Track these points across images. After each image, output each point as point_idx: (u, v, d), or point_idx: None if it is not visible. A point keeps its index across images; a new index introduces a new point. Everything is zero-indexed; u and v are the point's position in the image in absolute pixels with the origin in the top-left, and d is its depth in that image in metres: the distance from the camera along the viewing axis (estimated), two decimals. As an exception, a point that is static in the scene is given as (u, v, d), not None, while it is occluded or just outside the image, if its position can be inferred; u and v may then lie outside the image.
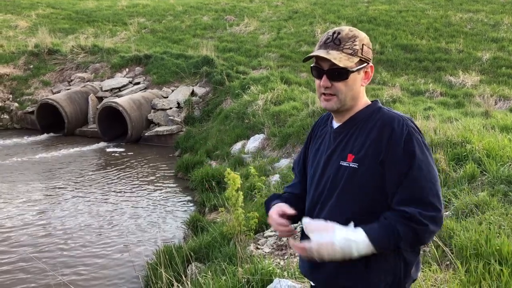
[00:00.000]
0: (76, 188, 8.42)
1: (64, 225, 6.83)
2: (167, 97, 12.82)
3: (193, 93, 12.87)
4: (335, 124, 1.91)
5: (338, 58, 1.73)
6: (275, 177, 6.98)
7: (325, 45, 1.77)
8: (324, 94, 1.81)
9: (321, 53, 1.75)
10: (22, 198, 7.85)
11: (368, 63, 1.81)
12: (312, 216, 1.88)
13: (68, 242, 6.30)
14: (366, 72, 1.82)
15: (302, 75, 13.19)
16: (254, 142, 9.08)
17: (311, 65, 1.85)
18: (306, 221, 1.74)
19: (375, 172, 1.72)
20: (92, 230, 6.69)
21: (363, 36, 1.80)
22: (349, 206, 1.77)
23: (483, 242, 3.46)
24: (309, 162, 2.01)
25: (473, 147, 5.45)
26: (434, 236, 1.77)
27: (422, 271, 3.37)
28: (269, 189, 6.56)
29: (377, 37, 14.71)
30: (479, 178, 4.90)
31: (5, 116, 13.51)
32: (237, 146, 9.34)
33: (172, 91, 13.10)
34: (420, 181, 1.68)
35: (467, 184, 4.83)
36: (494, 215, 3.94)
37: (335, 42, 1.76)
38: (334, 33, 1.78)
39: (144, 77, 13.92)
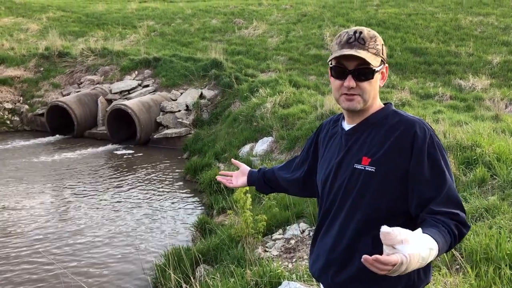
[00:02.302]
0: (85, 190, 8.47)
1: (73, 226, 6.87)
2: (176, 100, 12.87)
3: (201, 96, 12.90)
4: (347, 126, 1.87)
5: (369, 57, 1.70)
6: (284, 180, 6.97)
7: (350, 45, 1.72)
8: (346, 94, 1.77)
9: (353, 52, 1.70)
10: (32, 200, 7.91)
11: (385, 64, 1.81)
12: (325, 223, 1.86)
13: (77, 243, 6.33)
14: (382, 72, 1.82)
15: (310, 78, 13.18)
16: (262, 145, 9.08)
17: (332, 65, 1.78)
18: (389, 230, 1.40)
19: (395, 177, 1.69)
20: (101, 232, 6.73)
21: (379, 38, 1.79)
22: (366, 210, 1.73)
23: (494, 246, 3.43)
24: (319, 169, 1.97)
25: (483, 150, 5.41)
26: None
27: (432, 275, 3.34)
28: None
29: (386, 40, 14.66)
30: (489, 182, 4.86)
31: (15, 118, 13.64)
32: (246, 148, 9.35)
33: (181, 93, 13.15)
34: (450, 186, 1.69)
35: (477, 188, 4.79)
36: (505, 219, 3.91)
37: (360, 42, 1.72)
38: (355, 32, 1.74)
39: (153, 80, 13.99)
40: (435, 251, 1.49)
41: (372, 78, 1.74)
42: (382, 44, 1.78)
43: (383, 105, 1.86)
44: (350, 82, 1.73)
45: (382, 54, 1.77)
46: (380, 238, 1.41)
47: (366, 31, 1.75)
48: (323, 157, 1.96)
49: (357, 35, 1.73)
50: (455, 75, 12.78)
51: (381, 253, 1.41)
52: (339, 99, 1.81)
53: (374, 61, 1.72)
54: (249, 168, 2.40)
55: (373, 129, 1.79)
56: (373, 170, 1.71)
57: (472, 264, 3.37)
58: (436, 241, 1.51)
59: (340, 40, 1.76)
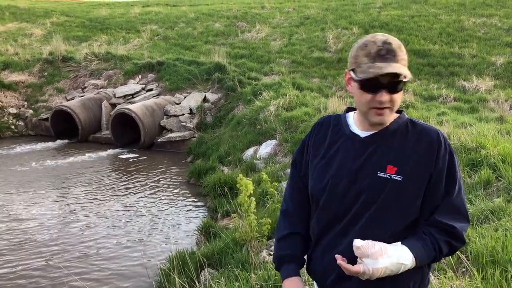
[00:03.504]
0: (90, 194, 8.49)
1: (78, 231, 6.88)
2: (180, 104, 12.89)
3: (205, 99, 12.93)
4: (362, 133, 1.81)
5: (403, 70, 1.66)
6: (288, 183, 6.96)
7: (382, 58, 1.64)
8: (375, 108, 1.70)
9: (390, 69, 1.63)
10: (37, 204, 7.93)
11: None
12: (331, 230, 1.80)
13: (81, 247, 6.34)
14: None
15: (314, 80, 13.19)
16: (266, 148, 9.07)
17: (361, 78, 1.68)
18: (360, 243, 1.64)
19: (421, 187, 1.72)
20: (105, 235, 6.73)
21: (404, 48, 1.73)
22: (392, 220, 1.72)
23: (500, 249, 3.41)
24: (318, 174, 1.87)
25: (488, 152, 5.39)
26: None
27: (438, 278, 3.33)
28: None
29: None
30: (495, 184, 4.84)
31: (20, 123, 13.70)
32: (249, 152, 9.35)
33: (185, 97, 13.18)
34: (460, 194, 1.75)
35: (482, 190, 4.77)
36: (511, 221, 3.89)
37: (392, 54, 1.65)
38: (384, 43, 1.66)
39: (156, 84, 14.03)
40: (409, 265, 1.65)
41: (402, 89, 1.72)
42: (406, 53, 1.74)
43: (397, 113, 1.81)
44: (384, 97, 1.67)
45: (407, 62, 1.73)
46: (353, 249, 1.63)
47: (392, 40, 1.68)
48: (321, 162, 1.86)
49: (386, 46, 1.65)
50: (458, 77, 12.75)
51: None
52: (369, 113, 1.73)
53: (406, 73, 1.67)
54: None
55: (395, 138, 1.76)
56: (400, 179, 1.70)
57: (478, 267, 3.35)
58: (414, 255, 1.65)
59: (369, 52, 1.66)
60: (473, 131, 6.40)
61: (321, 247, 1.86)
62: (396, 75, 1.65)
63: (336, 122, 1.91)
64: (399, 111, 1.83)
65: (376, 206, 1.72)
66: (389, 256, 1.62)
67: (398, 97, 1.71)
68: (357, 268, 1.61)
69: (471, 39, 14.87)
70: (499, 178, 4.89)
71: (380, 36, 1.69)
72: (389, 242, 1.68)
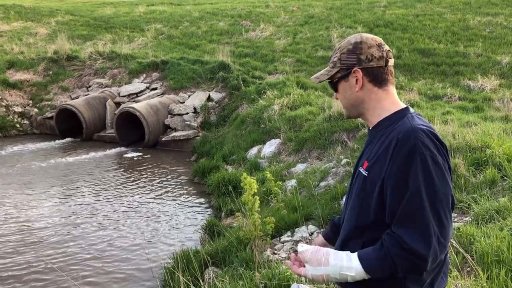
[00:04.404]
0: (94, 193, 8.51)
1: (83, 228, 6.91)
2: (184, 102, 12.91)
3: (209, 98, 12.93)
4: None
5: (322, 74, 1.86)
6: (291, 182, 6.97)
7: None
8: None
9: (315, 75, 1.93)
10: (42, 202, 7.96)
11: (352, 69, 1.75)
12: (341, 224, 1.92)
13: (86, 245, 6.36)
14: (355, 78, 1.76)
15: (318, 79, 13.15)
16: (270, 147, 9.07)
17: None
18: (301, 249, 1.72)
19: (378, 184, 1.65)
20: (110, 234, 6.75)
21: (345, 44, 1.78)
22: (357, 214, 1.75)
23: (505, 248, 3.40)
24: None
25: (493, 152, 5.36)
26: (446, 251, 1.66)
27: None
28: (286, 194, 6.54)
29: (394, 41, 14.61)
30: (500, 184, 4.81)
31: (25, 122, 13.75)
32: (253, 151, 9.35)
33: (189, 96, 13.19)
34: (420, 202, 1.55)
35: (487, 189, 4.75)
36: (516, 221, 3.87)
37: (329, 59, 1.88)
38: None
39: (161, 83, 14.05)
40: (356, 277, 1.60)
41: (336, 89, 1.85)
42: (343, 53, 1.77)
43: (399, 108, 1.78)
44: (335, 95, 1.89)
45: (341, 63, 1.77)
46: None
47: (339, 44, 1.84)
48: None
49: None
50: (463, 76, 12.70)
51: None
52: None
53: (328, 75, 1.82)
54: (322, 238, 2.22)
55: (379, 134, 1.76)
56: (366, 175, 1.72)
57: (483, 267, 3.33)
58: (364, 268, 1.59)
59: None
60: (478, 131, 6.37)
61: None
62: (327, 78, 1.84)
63: None
64: (403, 108, 1.78)
65: (351, 200, 1.82)
66: (329, 265, 1.63)
67: (340, 96, 1.84)
68: (299, 271, 1.72)
69: (476, 38, 14.81)
70: (505, 178, 4.87)
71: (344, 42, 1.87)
72: (353, 239, 1.75)
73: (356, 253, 1.63)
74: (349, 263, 1.61)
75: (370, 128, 1.85)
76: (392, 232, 1.59)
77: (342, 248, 1.79)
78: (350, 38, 1.79)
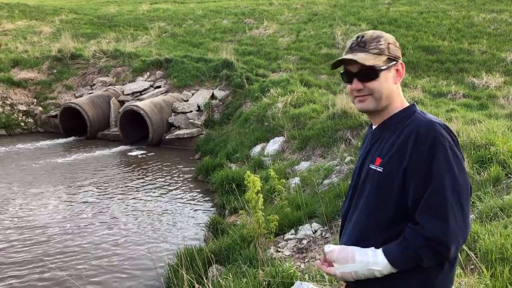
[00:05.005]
0: (98, 191, 8.54)
1: (87, 226, 6.93)
2: (188, 101, 12.92)
3: (213, 96, 12.94)
4: (373, 127, 1.92)
5: (365, 58, 1.74)
6: (295, 180, 6.97)
7: (351, 50, 1.80)
8: (357, 96, 1.83)
9: (348, 56, 1.78)
10: (46, 201, 8.00)
11: (398, 61, 1.82)
12: (346, 220, 1.94)
13: (90, 242, 6.39)
14: (397, 70, 1.82)
15: (322, 77, 13.14)
16: (273, 145, 9.07)
17: (341, 72, 1.88)
18: (328, 250, 1.80)
19: (398, 179, 1.69)
20: (114, 232, 6.78)
21: (388, 36, 1.82)
22: (374, 212, 1.77)
23: (509, 246, 3.39)
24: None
25: (497, 149, 5.34)
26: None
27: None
28: (289, 192, 6.55)
29: (398, 39, 14.52)
30: (504, 181, 4.80)
31: (29, 120, 13.80)
32: (257, 148, 9.35)
33: (193, 94, 13.20)
34: (443, 191, 1.61)
35: (491, 187, 4.73)
36: (520, 218, 3.86)
37: (360, 45, 1.79)
38: (358, 37, 1.82)
39: (165, 81, 14.06)
40: (384, 271, 1.67)
41: (378, 77, 1.77)
42: (389, 43, 1.80)
43: (407, 105, 1.85)
44: (355, 84, 1.80)
45: (389, 52, 1.79)
46: None
47: (371, 33, 1.81)
48: (359, 161, 2.01)
49: (359, 39, 1.80)
50: (468, 73, 12.65)
51: None
52: (354, 102, 1.88)
53: (374, 61, 1.75)
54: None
55: (390, 131, 1.80)
56: (381, 171, 1.74)
57: (487, 264, 3.33)
58: (390, 261, 1.66)
59: (346, 47, 1.85)
60: (482, 128, 6.35)
61: (340, 242, 2.00)
62: (363, 64, 1.74)
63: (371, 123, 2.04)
64: (411, 105, 1.86)
65: (364, 199, 1.81)
66: (356, 262, 1.71)
67: (377, 85, 1.78)
68: (329, 270, 1.79)
69: (481, 35, 14.74)
70: (509, 175, 4.85)
71: (361, 33, 1.83)
72: (370, 237, 1.76)
73: (380, 249, 1.70)
74: (374, 259, 1.69)
75: (375, 126, 1.89)
76: (412, 225, 1.66)
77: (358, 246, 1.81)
78: (380, 32, 1.82)
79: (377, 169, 1.75)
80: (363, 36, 1.80)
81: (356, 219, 1.85)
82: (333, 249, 1.78)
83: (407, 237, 1.65)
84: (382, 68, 1.76)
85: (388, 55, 1.78)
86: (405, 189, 1.68)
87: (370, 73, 1.76)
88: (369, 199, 1.79)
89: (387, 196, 1.72)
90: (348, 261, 1.73)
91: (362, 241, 1.78)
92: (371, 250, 1.71)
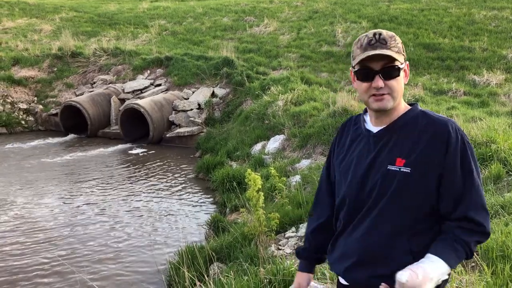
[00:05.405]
0: (99, 189, 8.55)
1: (88, 225, 6.94)
2: (188, 99, 12.92)
3: (213, 94, 12.93)
4: (374, 128, 1.87)
5: (394, 55, 1.73)
6: (296, 178, 6.97)
7: (372, 46, 1.74)
8: (375, 95, 1.77)
9: (378, 51, 1.72)
10: (47, 200, 8.01)
11: (407, 61, 1.84)
12: (351, 223, 1.87)
13: (91, 240, 6.40)
14: (405, 70, 1.83)
15: (322, 75, 13.13)
16: (274, 143, 9.07)
17: (357, 69, 1.80)
18: (403, 280, 1.62)
19: (431, 177, 1.73)
20: (115, 229, 6.78)
21: (396, 37, 1.83)
22: (401, 214, 1.76)
23: (510, 243, 3.39)
24: (337, 168, 1.98)
25: (498, 147, 5.35)
26: None
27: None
28: (290, 190, 6.55)
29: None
30: (505, 179, 4.80)
31: (30, 118, 13.81)
32: (257, 147, 9.35)
33: (193, 92, 13.20)
34: (480, 188, 1.75)
35: (492, 184, 4.74)
36: (521, 216, 3.86)
37: (381, 42, 1.75)
38: (375, 34, 1.77)
39: (165, 79, 14.05)
40: (446, 276, 1.69)
41: (399, 75, 1.77)
42: (401, 42, 1.82)
43: (409, 105, 1.87)
44: (378, 82, 1.74)
45: (403, 51, 1.81)
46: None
47: (385, 32, 1.79)
48: (345, 159, 1.95)
49: (377, 36, 1.76)
50: (469, 71, 12.63)
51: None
52: (368, 101, 1.81)
53: (399, 59, 1.75)
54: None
55: (404, 131, 1.80)
56: (409, 171, 1.73)
57: (488, 262, 3.33)
58: (448, 264, 1.67)
59: (361, 44, 1.77)
60: (483, 126, 6.35)
61: (339, 247, 1.95)
62: (388, 61, 1.73)
63: (356, 122, 1.99)
64: (411, 104, 1.87)
65: (385, 200, 1.77)
66: (432, 279, 1.65)
67: (396, 84, 1.77)
68: None
69: (482, 33, 14.71)
70: (510, 173, 4.85)
71: (374, 30, 1.80)
72: (398, 236, 1.75)
73: (434, 256, 1.68)
74: (442, 268, 1.67)
75: (375, 127, 1.86)
76: (459, 222, 1.72)
77: (386, 249, 1.77)
78: (389, 32, 1.82)
79: (403, 169, 1.74)
80: (380, 34, 1.76)
81: (374, 222, 1.79)
82: (409, 278, 1.61)
83: (461, 237, 1.70)
84: (401, 67, 1.77)
85: (403, 55, 1.80)
86: (439, 187, 1.73)
87: (393, 71, 1.75)
88: (390, 202, 1.76)
89: (414, 196, 1.74)
90: (426, 282, 1.63)
91: (390, 243, 1.77)
92: (434, 260, 1.67)
